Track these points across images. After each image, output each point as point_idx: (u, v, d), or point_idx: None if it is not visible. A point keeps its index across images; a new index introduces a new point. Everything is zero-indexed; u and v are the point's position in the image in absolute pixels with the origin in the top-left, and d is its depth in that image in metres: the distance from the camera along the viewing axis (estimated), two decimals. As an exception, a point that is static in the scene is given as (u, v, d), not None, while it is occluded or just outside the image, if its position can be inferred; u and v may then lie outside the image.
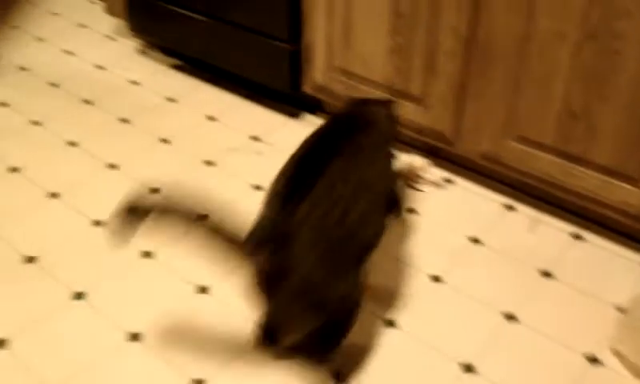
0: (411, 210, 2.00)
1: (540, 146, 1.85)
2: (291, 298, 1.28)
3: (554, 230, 1.92)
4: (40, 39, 2.95)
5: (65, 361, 1.52)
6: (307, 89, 2.31)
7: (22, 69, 2.71)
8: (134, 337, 1.58)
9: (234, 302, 1.67)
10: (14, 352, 1.54)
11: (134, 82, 2.63)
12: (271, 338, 1.33)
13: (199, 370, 1.50)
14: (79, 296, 1.69)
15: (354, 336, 1.44)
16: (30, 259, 1.79)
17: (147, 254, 1.81)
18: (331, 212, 1.32)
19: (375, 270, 1.74)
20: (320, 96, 2.31)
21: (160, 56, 2.81)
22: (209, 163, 2.18)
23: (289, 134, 2.35)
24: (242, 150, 2.26)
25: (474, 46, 1.85)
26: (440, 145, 2.09)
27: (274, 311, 1.30)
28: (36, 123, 2.36)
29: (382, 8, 1.98)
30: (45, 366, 1.50)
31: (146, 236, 1.82)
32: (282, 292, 1.27)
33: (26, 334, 1.58)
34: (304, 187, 1.33)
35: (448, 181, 2.13)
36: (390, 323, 1.63)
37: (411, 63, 2.00)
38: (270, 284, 1.28)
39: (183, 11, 2.50)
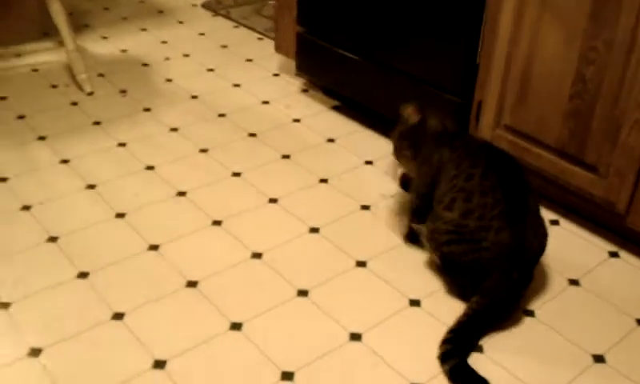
0: (574, 282, 1.90)
1: None
2: None
3: None
4: (210, 70, 3.11)
5: (220, 389, 1.55)
6: (471, 143, 2.27)
7: (194, 97, 2.86)
8: (286, 376, 1.59)
9: (384, 353, 1.65)
10: (170, 373, 1.59)
11: (297, 120, 2.70)
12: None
13: (349, 419, 1.49)
14: (236, 326, 1.72)
15: None
16: (192, 284, 1.86)
17: (303, 293, 1.83)
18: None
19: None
20: (483, 152, 2.27)
21: (322, 96, 2.87)
22: (364, 207, 2.19)
23: (446, 186, 2.31)
24: (396, 197, 2.25)
25: (663, 118, 1.75)
26: (609, 216, 1.98)
27: None
28: (203, 151, 2.47)
29: (565, 72, 1.92)
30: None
31: (302, 273, 1.85)
32: None
33: (184, 357, 1.63)
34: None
35: (614, 254, 2.02)
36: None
37: (589, 129, 1.92)
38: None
39: (352, 55, 2.55)
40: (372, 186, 2.30)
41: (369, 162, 2.43)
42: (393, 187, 2.29)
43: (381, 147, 2.50)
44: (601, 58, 1.84)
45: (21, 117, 2.65)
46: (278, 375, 1.59)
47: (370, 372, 1.61)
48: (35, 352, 1.63)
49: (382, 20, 2.40)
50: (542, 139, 2.04)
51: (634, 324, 1.78)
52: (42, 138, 2.51)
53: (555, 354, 1.68)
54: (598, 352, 1.69)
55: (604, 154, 1.91)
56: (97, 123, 2.62)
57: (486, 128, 2.18)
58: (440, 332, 1.69)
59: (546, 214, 2.17)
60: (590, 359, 1.67)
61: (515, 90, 2.06)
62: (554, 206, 2.20)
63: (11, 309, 1.75)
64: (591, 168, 1.95)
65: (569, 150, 1.99)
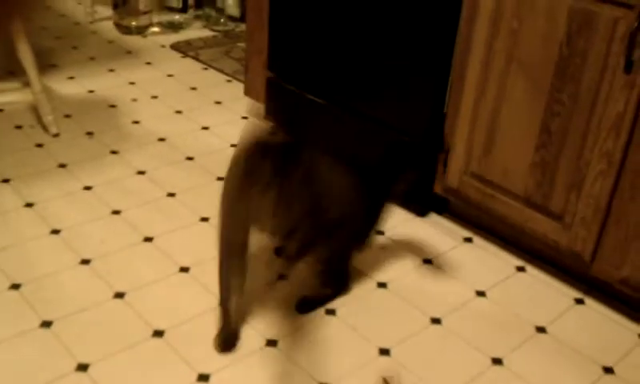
0: (541, 330, 1.92)
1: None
2: None
3: (699, 373, 1.79)
4: (179, 112, 3.10)
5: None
6: (438, 189, 2.30)
7: (161, 139, 2.84)
8: (255, 429, 1.57)
9: None
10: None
11: (265, 164, 2.70)
12: None
13: None
14: (204, 378, 1.69)
15: None
16: (159, 333, 1.83)
17: (271, 343, 1.82)
18: None
19: None
20: (450, 198, 2.29)
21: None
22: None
23: (414, 231, 2.33)
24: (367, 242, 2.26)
25: (626, 170, 1.79)
26: (575, 264, 2.01)
27: None
28: (171, 194, 2.46)
29: (531, 123, 1.96)
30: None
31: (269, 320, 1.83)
32: None
33: (151, 410, 1.60)
34: None
35: (579, 301, 2.04)
36: None
37: (554, 180, 1.95)
38: None
39: (320, 101, 2.57)
40: (341, 232, 2.30)
41: (338, 208, 2.44)
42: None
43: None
44: (566, 110, 1.88)
45: (-16, 159, 2.60)
46: (247, 428, 1.57)
47: None
48: (-5, 407, 1.58)
49: (351, 66, 2.43)
50: (508, 188, 2.08)
51: (601, 371, 1.80)
52: (5, 181, 2.46)
53: (524, 404, 1.69)
54: (566, 402, 1.70)
55: (569, 204, 1.94)
56: (62, 166, 2.59)
57: (454, 176, 2.21)
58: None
59: (512, 261, 2.20)
60: (558, 409, 1.68)
61: (482, 139, 2.10)
62: (520, 253, 2.23)
63: (-29, 360, 1.70)
64: (557, 217, 1.98)
65: (535, 199, 2.02)
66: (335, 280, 1.98)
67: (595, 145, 1.83)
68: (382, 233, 2.31)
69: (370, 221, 1.97)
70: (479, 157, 2.12)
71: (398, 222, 2.37)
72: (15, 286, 1.95)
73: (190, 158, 2.71)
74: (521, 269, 2.17)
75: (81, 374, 1.68)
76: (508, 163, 2.05)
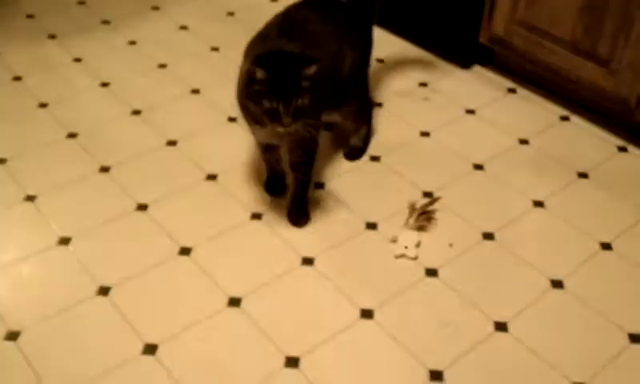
0: (583, 175, 1.96)
1: None
2: None
3: None
4: (217, -32, 3.06)
5: (246, 275, 1.62)
6: (483, 39, 2.28)
7: (202, -5, 2.83)
8: (307, 261, 1.66)
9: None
10: (195, 259, 1.66)
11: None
12: None
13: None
14: (257, 216, 1.78)
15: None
16: (211, 177, 1.90)
17: (319, 186, 1.88)
18: None
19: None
20: (495, 48, 2.28)
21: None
22: (378, 104, 2.21)
23: (457, 83, 2.33)
24: (411, 94, 2.28)
25: (680, 10, 1.75)
26: (619, 110, 2.01)
27: None
28: (214, 49, 2.48)
29: (580, -37, 1.91)
30: (219, 269, 1.62)
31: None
32: None
33: (208, 245, 1.70)
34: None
35: (623, 149, 2.06)
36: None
37: (603, 24, 1.92)
38: None
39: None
40: (386, 85, 2.31)
41: (381, 61, 2.43)
42: (406, 85, 2.31)
43: (394, 46, 2.50)
44: (619, -50, 1.82)
45: (30, 16, 2.63)
46: (299, 261, 1.66)
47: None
48: (64, 241, 1.69)
49: None
50: (555, 34, 2.05)
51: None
52: (52, 37, 2.50)
53: (563, 243, 1.75)
54: (606, 240, 1.75)
55: (617, 49, 1.92)
56: (106, 22, 2.61)
57: (500, 24, 2.18)
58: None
59: (556, 110, 2.21)
60: (598, 246, 1.74)
61: (530, -18, 2.06)
62: (564, 103, 2.22)
63: (37, 201, 1.80)
64: (604, 62, 1.97)
65: (582, 44, 2.00)
66: (363, 116, 2.01)
67: (648, -15, 1.79)
68: (424, 84, 2.32)
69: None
70: (526, 2, 2.08)
71: (441, 74, 2.37)
72: (72, 135, 2.03)
73: (230, 14, 2.71)
74: (565, 118, 2.18)
75: (141, 213, 1.77)
76: (556, 8, 2.02)
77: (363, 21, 1.92)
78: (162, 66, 2.37)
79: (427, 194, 1.87)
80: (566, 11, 1.99)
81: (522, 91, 2.30)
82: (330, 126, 2.01)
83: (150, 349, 1.44)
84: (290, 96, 1.46)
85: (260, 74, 1.46)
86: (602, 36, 1.94)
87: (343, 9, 1.88)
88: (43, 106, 2.15)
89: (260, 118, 1.52)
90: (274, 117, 1.47)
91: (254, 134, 1.70)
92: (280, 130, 1.50)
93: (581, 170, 1.97)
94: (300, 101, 1.47)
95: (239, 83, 1.61)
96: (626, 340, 1.50)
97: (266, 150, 1.78)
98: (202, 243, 1.70)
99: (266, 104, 1.46)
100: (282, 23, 1.74)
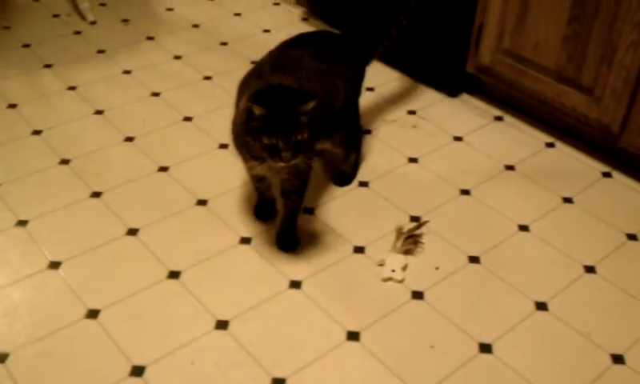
0: (567, 200, 1.99)
1: None
2: None
3: None
4: (211, 0, 3.12)
5: (234, 298, 1.64)
6: (470, 69, 2.33)
7: (195, 26, 2.88)
8: (294, 284, 1.68)
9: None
10: (184, 283, 1.68)
11: (298, 48, 2.73)
12: None
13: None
14: (245, 241, 1.81)
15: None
16: (202, 202, 1.93)
17: (308, 210, 1.91)
18: None
19: (530, 253, 1.75)
20: (482, 76, 2.32)
21: (322, 25, 2.89)
22: (368, 132, 2.25)
23: (444, 111, 2.37)
24: (399, 122, 2.31)
25: (658, 39, 1.80)
26: (603, 137, 2.05)
27: None
28: (207, 78, 2.52)
29: (563, -6, 1.96)
30: (208, 292, 1.63)
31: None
32: None
33: (197, 268, 1.72)
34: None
35: (607, 174, 2.10)
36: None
37: (586, 53, 1.97)
38: None
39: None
40: (374, 113, 2.35)
41: (370, 90, 2.47)
42: (395, 113, 2.35)
43: (383, 75, 2.55)
44: (599, -19, 1.88)
45: (26, 45, 2.67)
46: (287, 284, 1.68)
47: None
48: (54, 265, 1.71)
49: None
50: (540, 62, 2.10)
51: (624, 238, 1.87)
52: (47, 66, 2.54)
53: (548, 266, 1.78)
54: (589, 263, 1.78)
55: (600, 76, 1.96)
56: (101, 51, 2.66)
57: (486, 53, 2.23)
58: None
59: (542, 137, 2.25)
60: (582, 269, 1.76)
61: (515, 12, 2.10)
62: (550, 130, 2.26)
63: (29, 226, 1.82)
64: (587, 90, 2.01)
65: (566, 72, 2.04)
66: (353, 143, 2.02)
67: (628, 14, 1.84)
68: (413, 112, 2.36)
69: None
70: (511, 32, 2.13)
71: (429, 102, 2.41)
72: (65, 162, 2.06)
73: (224, 43, 2.76)
74: (550, 145, 2.22)
75: (132, 238, 1.80)
76: (540, 38, 2.07)
77: (359, 57, 1.97)
78: (156, 94, 2.41)
79: (414, 219, 1.89)
80: (550, 40, 2.04)
81: (508, 118, 2.34)
82: (319, 153, 2.04)
83: (138, 370, 1.46)
84: (289, 132, 1.48)
85: (258, 110, 1.48)
86: (586, 64, 1.99)
87: (338, 43, 1.93)
88: (37, 132, 2.18)
89: (259, 153, 1.53)
90: (274, 152, 1.49)
91: (249, 169, 1.72)
92: (280, 165, 1.52)
93: (566, 195, 2.00)
94: (300, 136, 1.49)
95: (235, 120, 1.63)
96: (609, 361, 1.52)
97: (259, 180, 1.81)
98: (191, 267, 1.72)
99: (265, 140, 1.48)
100: (276, 60, 1.77)
